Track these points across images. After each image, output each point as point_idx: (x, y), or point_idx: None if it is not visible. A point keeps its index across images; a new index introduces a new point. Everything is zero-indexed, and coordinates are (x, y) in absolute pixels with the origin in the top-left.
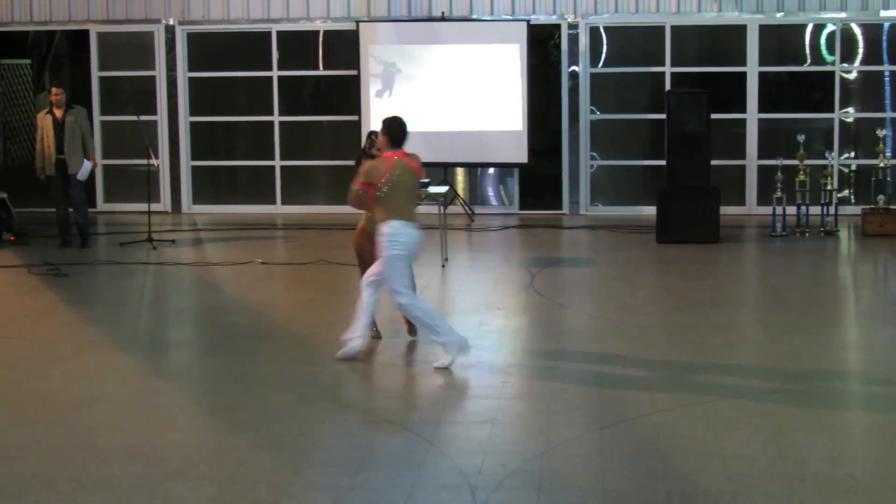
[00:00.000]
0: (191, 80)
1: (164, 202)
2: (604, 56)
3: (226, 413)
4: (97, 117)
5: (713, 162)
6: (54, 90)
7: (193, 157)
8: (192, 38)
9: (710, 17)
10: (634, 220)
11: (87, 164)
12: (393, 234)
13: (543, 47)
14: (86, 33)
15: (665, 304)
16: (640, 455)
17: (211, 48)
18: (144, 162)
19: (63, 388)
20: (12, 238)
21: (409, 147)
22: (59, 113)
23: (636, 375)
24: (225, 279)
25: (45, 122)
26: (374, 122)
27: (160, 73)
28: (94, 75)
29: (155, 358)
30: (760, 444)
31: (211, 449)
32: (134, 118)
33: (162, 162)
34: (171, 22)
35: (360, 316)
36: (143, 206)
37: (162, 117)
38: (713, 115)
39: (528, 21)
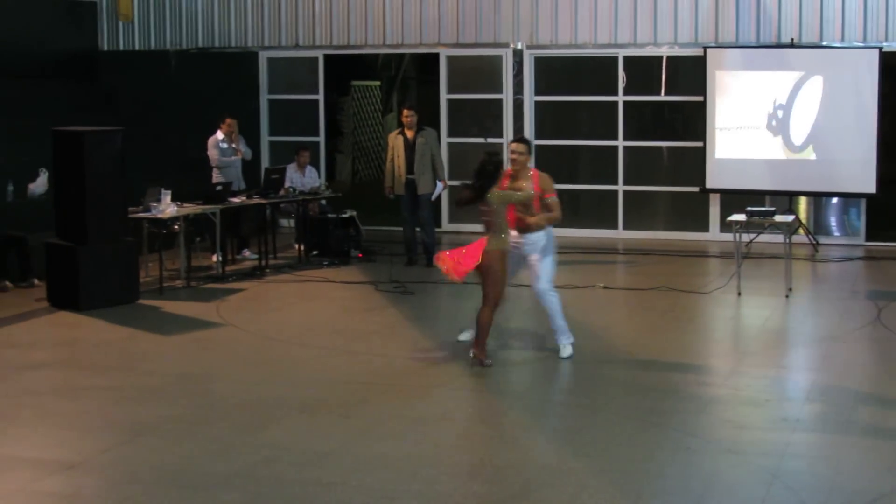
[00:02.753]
0: (537, 103)
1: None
2: None
3: (567, 436)
4: (444, 139)
5: None
6: (406, 112)
7: None
8: (540, 62)
9: None
10: None
11: (439, 186)
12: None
13: (893, 74)
14: (435, 56)
15: None
16: None
17: (557, 72)
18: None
19: (408, 405)
20: (360, 255)
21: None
22: (410, 134)
23: None
24: (566, 302)
25: (396, 142)
26: (718, 149)
27: (507, 96)
28: (442, 97)
29: (496, 377)
30: None
31: (553, 472)
32: (481, 140)
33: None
34: (519, 46)
35: (559, 321)
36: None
37: (507, 140)
38: None
39: (880, 48)
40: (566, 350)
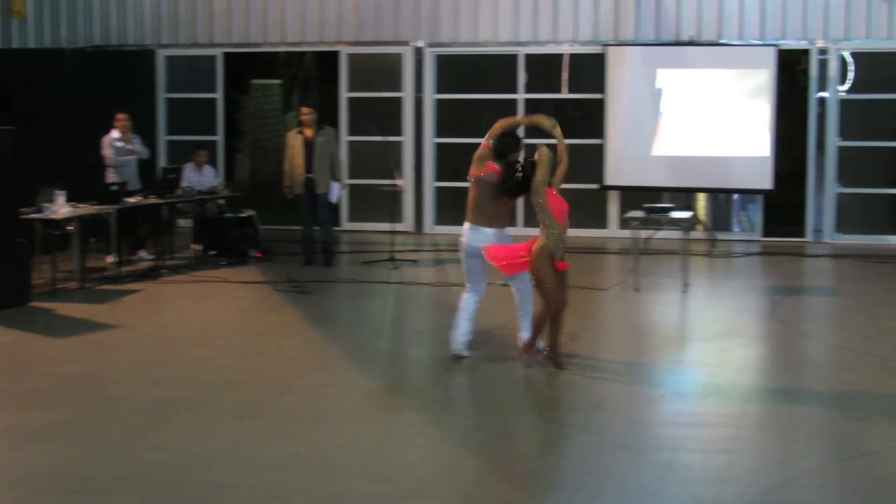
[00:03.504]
0: (437, 101)
1: (407, 222)
2: (853, 82)
3: (463, 433)
4: (344, 137)
5: None
6: (304, 110)
7: (437, 178)
8: (441, 60)
9: None
10: (880, 249)
11: (335, 186)
12: None
13: (790, 72)
14: (335, 54)
15: None
16: (882, 490)
17: (458, 70)
18: (389, 182)
19: (304, 405)
20: (258, 255)
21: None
22: (308, 133)
23: (878, 408)
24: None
25: (294, 141)
26: (618, 146)
27: (407, 94)
28: (342, 96)
29: (394, 377)
30: None
31: (449, 469)
32: (380, 139)
33: (406, 182)
34: (419, 44)
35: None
36: (386, 226)
37: (407, 138)
38: None
39: (776, 46)
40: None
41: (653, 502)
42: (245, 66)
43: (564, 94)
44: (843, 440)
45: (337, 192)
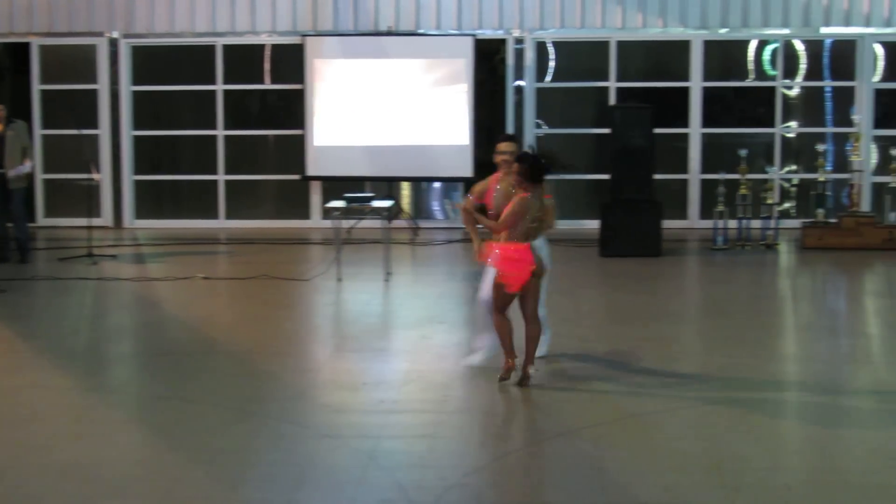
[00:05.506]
0: (134, 93)
1: (106, 217)
2: (550, 71)
3: (164, 430)
4: (38, 131)
5: (656, 176)
6: None
7: (136, 172)
8: (137, 52)
9: (654, 32)
10: (578, 233)
11: (23, 166)
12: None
13: (489, 62)
14: (27, 46)
15: (606, 317)
16: (579, 467)
17: (155, 61)
18: (85, 176)
19: None
20: None
21: (354, 161)
22: None
23: (575, 388)
24: (166, 295)
25: None
26: (318, 137)
27: (103, 86)
28: (34, 88)
29: (93, 374)
30: (698, 455)
31: (148, 466)
32: (75, 132)
33: (104, 176)
34: (114, 35)
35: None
36: (84, 221)
37: (104, 131)
38: (656, 130)
39: (474, 36)
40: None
41: (356, 490)
42: None
43: (266, 85)
44: (541, 422)
45: (21, 172)
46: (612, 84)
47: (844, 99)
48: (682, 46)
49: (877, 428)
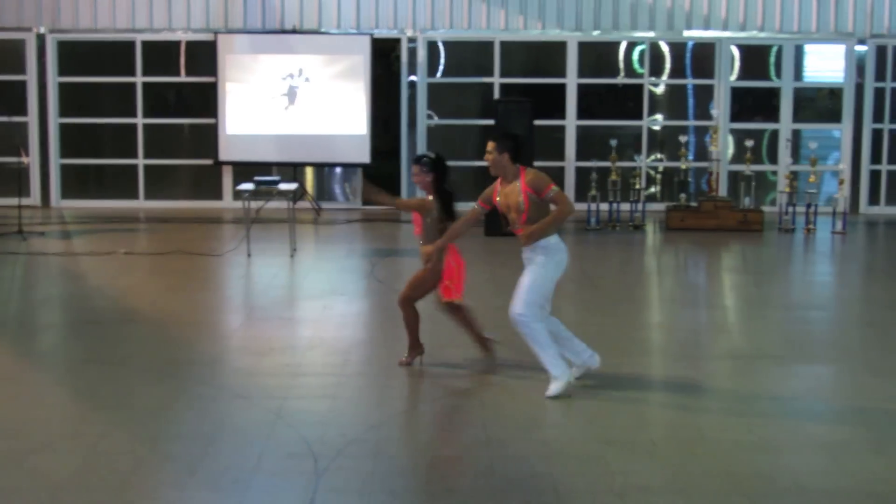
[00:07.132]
0: (60, 84)
1: (35, 197)
2: (440, 67)
3: (89, 391)
4: None
5: (536, 164)
6: None
7: (63, 156)
8: (62, 46)
9: (534, 33)
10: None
11: None
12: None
13: (386, 59)
14: None
15: (489, 290)
16: (466, 425)
17: (79, 55)
18: (15, 160)
19: None
20: None
21: (262, 148)
22: None
23: (463, 356)
24: (90, 268)
25: None
26: (230, 125)
27: (31, 77)
28: None
29: (23, 341)
30: (573, 414)
31: (74, 424)
32: (5, 119)
33: (32, 160)
34: (42, 30)
35: (542, 352)
36: (14, 201)
37: (32, 119)
38: (536, 122)
39: (371, 35)
40: (555, 388)
41: (265, 444)
42: None
43: (182, 78)
44: (432, 385)
45: None
46: (497, 80)
47: (704, 95)
48: (559, 46)
49: (732, 390)
